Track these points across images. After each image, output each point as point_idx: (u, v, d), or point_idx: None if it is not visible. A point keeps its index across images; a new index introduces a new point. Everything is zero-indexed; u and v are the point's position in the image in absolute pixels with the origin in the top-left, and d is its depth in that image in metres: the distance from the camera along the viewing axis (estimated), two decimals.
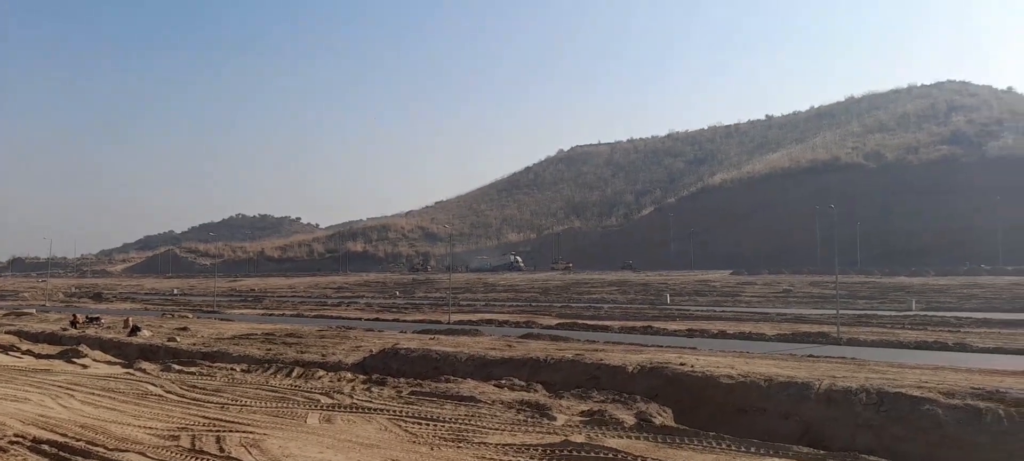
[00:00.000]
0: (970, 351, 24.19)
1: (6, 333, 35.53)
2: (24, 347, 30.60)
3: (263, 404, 16.50)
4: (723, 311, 43.34)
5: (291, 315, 48.50)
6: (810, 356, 21.88)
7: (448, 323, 37.91)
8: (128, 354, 28.33)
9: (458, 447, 12.39)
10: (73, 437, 13.24)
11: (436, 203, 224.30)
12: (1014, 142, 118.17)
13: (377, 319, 43.40)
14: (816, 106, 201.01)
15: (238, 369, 22.88)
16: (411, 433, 13.46)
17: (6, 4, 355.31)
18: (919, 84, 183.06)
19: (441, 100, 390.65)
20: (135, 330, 34.38)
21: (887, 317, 36.58)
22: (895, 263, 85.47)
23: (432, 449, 12.30)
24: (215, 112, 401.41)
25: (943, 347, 25.11)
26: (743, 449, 11.91)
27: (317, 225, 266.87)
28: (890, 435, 13.77)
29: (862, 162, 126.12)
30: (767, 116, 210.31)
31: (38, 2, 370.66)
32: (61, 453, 12.03)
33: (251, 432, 13.52)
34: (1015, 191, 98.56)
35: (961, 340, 26.38)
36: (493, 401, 16.33)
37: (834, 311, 33.07)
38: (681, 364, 18.65)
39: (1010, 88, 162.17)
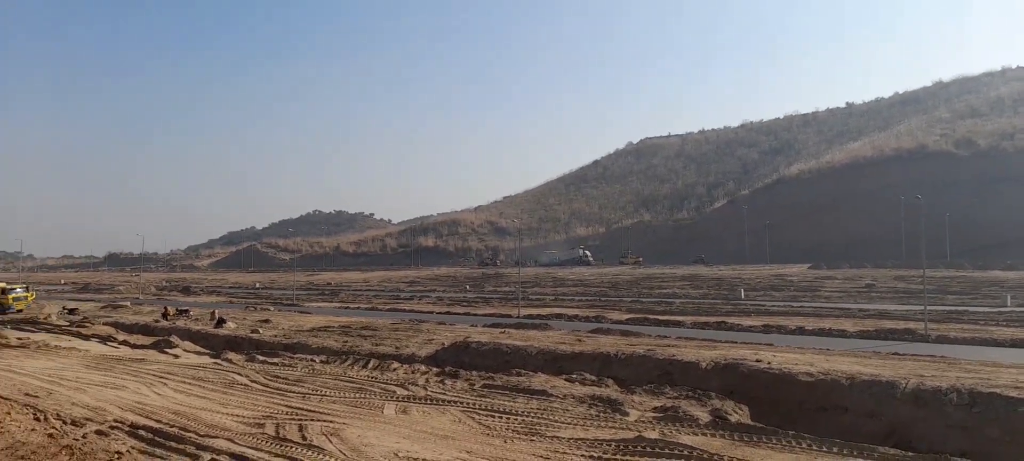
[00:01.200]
0: None
1: (104, 324, 37.88)
2: (120, 337, 32.58)
3: (342, 394, 17.03)
4: (801, 307, 41.96)
5: (366, 308, 49.76)
6: (895, 354, 20.96)
7: (518, 317, 38.12)
8: (215, 345, 29.74)
9: (531, 440, 12.48)
10: (167, 423, 14.03)
11: (504, 198, 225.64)
12: None
13: (448, 313, 44.06)
14: (900, 92, 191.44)
15: (317, 360, 23.69)
16: (484, 425, 13.64)
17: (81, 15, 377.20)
18: (1014, 66, 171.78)
19: (510, 93, 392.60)
20: (221, 322, 36.03)
21: (980, 313, 34.62)
22: (988, 256, 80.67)
23: (505, 442, 12.43)
24: (291, 113, 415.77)
25: None
26: (825, 449, 11.54)
27: (390, 221, 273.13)
28: (984, 437, 13.07)
29: (952, 150, 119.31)
30: (847, 104, 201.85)
31: (105, 10, 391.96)
32: (156, 438, 12.75)
33: (331, 421, 14.00)
34: None
35: None
36: (564, 395, 16.35)
37: (921, 307, 31.52)
38: (757, 361, 18.19)
39: None
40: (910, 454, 11.36)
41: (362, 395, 16.91)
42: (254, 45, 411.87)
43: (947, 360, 19.14)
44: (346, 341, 28.03)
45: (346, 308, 50.64)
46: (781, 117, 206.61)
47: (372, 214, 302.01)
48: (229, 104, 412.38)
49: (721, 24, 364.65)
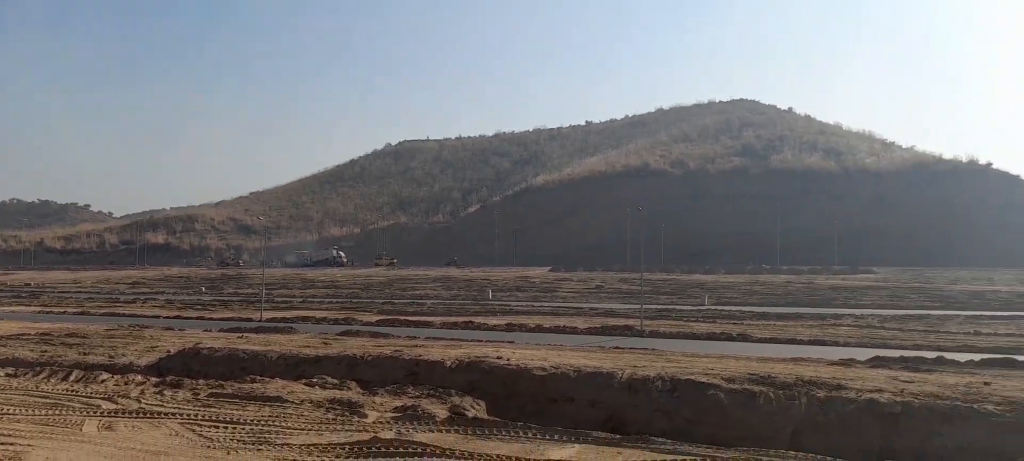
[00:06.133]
0: (750, 341, 26.93)
1: None
2: None
3: (30, 412, 14.50)
4: (541, 306, 44.92)
5: (74, 313, 43.25)
6: (616, 348, 23.20)
7: (260, 320, 35.80)
8: None
9: (258, 449, 11.65)
10: None
11: (251, 194, 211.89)
12: (792, 156, 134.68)
13: (178, 317, 39.93)
14: (631, 115, 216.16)
15: (2, 373, 19.95)
16: (205, 437, 12.44)
17: None
18: (718, 100, 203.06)
19: (261, 84, 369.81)
20: None
21: (684, 311, 39.85)
22: (694, 262, 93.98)
23: (228, 453, 11.46)
24: None
25: (728, 338, 27.76)
26: (548, 437, 12.31)
27: (110, 213, 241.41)
28: (681, 418, 14.94)
29: (668, 169, 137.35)
30: (587, 122, 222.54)
31: None
32: None
33: (11, 444, 11.83)
34: (791, 199, 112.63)
35: (743, 331, 29.34)
36: (301, 400, 15.57)
37: (639, 306, 35.44)
38: (498, 357, 18.96)
39: (790, 108, 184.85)
40: (618, 436, 12.56)
41: (57, 411, 14.53)
42: None
43: (656, 352, 21.61)
44: (45, 350, 23.99)
45: (49, 312, 43.58)
46: (531, 130, 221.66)
47: (87, 205, 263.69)
48: None
49: (479, 38, 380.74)
